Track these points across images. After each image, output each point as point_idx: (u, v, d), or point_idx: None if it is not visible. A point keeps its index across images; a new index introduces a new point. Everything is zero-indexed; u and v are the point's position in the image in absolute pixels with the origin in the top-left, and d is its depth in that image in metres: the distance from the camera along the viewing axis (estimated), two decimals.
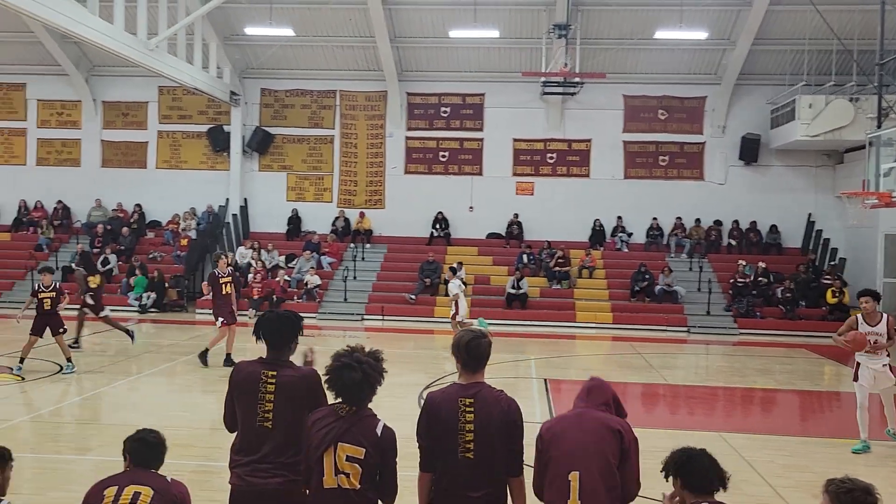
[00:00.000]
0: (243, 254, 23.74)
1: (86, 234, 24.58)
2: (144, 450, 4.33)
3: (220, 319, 14.41)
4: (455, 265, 19.92)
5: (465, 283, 19.53)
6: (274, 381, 4.44)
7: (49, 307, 13.03)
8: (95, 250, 23.78)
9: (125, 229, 24.39)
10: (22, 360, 12.91)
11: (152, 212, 25.49)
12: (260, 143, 25.03)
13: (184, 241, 24.24)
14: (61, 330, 13.14)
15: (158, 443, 4.44)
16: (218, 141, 25.08)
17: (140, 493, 4.07)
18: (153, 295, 22.11)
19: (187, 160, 25.55)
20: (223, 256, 15.05)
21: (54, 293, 13.16)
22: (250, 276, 22.63)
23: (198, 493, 6.48)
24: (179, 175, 25.44)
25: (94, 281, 15.74)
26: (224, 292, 14.37)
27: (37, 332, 12.97)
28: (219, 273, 14.48)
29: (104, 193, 25.33)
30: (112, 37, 17.51)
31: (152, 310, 21.93)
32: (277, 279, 22.45)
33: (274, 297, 21.95)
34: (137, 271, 22.69)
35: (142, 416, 10.87)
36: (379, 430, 4.03)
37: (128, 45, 18.17)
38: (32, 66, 25.06)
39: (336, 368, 4.06)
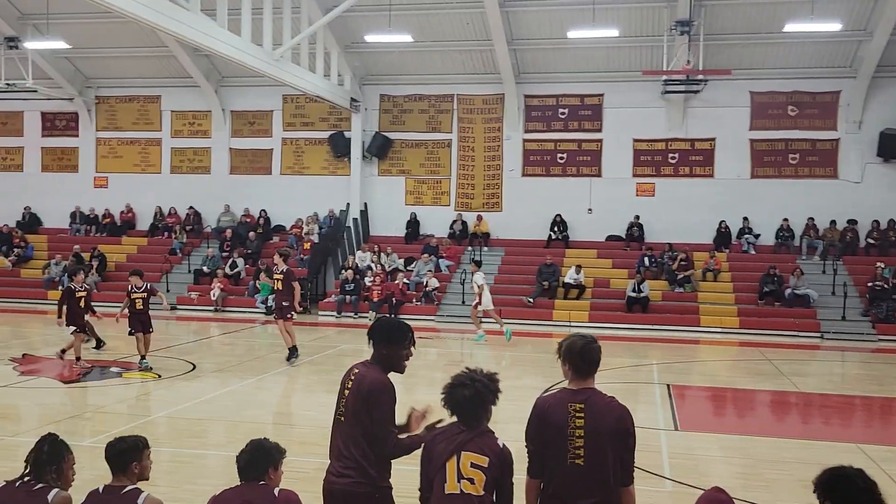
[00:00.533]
0: (362, 257, 24.18)
1: (215, 239, 25.61)
2: (247, 467, 4.37)
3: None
4: (478, 259, 21.56)
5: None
6: (353, 378, 4.55)
7: (141, 307, 13.71)
8: (224, 254, 24.77)
9: (252, 234, 25.27)
10: (143, 357, 13.68)
11: (277, 216, 26.30)
12: (379, 149, 25.45)
13: (307, 245, 24.91)
14: (150, 329, 13.85)
15: (264, 451, 4.46)
16: (339, 147, 25.66)
17: None
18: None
19: (310, 166, 26.25)
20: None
21: (146, 293, 13.89)
22: (369, 279, 23.03)
23: (321, 491, 6.58)
24: (302, 181, 26.16)
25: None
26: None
27: (136, 329, 13.70)
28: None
29: (232, 199, 26.33)
30: (239, 49, 18.19)
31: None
32: (396, 282, 22.75)
33: (393, 299, 22.25)
34: (263, 275, 23.44)
35: (269, 414, 11.21)
36: (500, 444, 4.04)
37: (254, 55, 18.83)
38: (167, 79, 26.32)
39: (450, 386, 4.13)
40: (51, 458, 4.29)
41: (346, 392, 4.53)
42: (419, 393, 13.21)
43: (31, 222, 27.21)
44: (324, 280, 25.21)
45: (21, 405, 11.45)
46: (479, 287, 18.43)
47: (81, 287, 14.08)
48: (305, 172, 26.26)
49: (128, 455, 4.39)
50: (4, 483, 4.26)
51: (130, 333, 13.75)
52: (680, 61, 20.79)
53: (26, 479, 4.23)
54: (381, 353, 4.61)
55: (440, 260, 24.09)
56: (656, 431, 10.03)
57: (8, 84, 23.11)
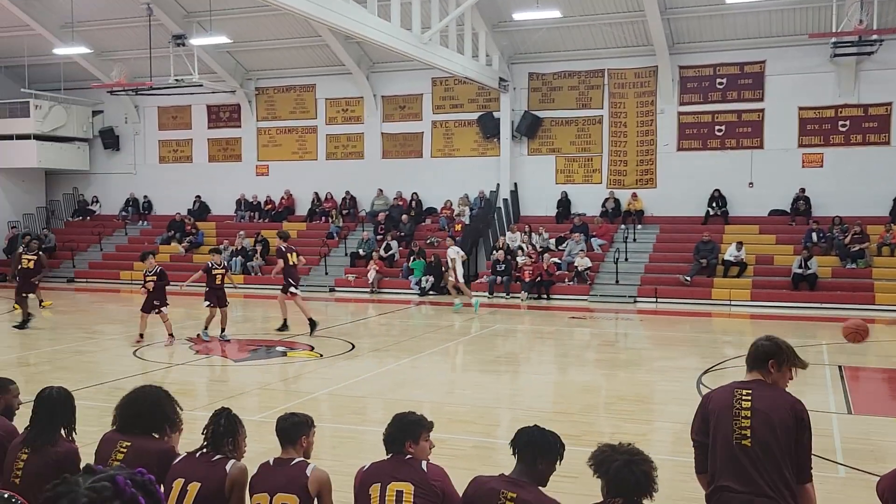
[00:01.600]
0: (513, 238, 24.12)
1: (370, 222, 26.26)
2: (391, 441, 4.38)
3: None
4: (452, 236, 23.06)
5: (463, 251, 21.39)
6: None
7: (219, 282, 14.96)
8: (378, 237, 25.36)
9: (404, 216, 25.72)
10: (222, 329, 14.86)
11: (428, 199, 26.64)
12: (528, 128, 25.25)
13: (458, 227, 25.11)
14: (227, 303, 15.09)
15: (408, 425, 4.45)
16: (488, 127, 25.65)
17: (402, 491, 4.14)
18: (431, 278, 23.12)
19: (459, 148, 26.40)
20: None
21: (224, 270, 15.30)
22: (520, 259, 22.94)
23: (479, 468, 6.58)
24: (452, 162, 26.35)
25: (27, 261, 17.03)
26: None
27: (213, 303, 14.84)
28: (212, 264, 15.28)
29: (385, 183, 26.88)
30: (389, 34, 18.46)
31: (431, 292, 22.93)
32: (546, 262, 22.55)
33: (541, 278, 22.11)
34: (416, 256, 23.85)
35: (425, 393, 11.35)
36: None
37: (403, 40, 19.07)
38: (320, 67, 27.13)
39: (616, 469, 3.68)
40: (227, 431, 4.48)
41: None
42: (572, 373, 13.05)
43: (201, 210, 28.83)
44: (475, 261, 25.35)
45: (196, 382, 12.15)
46: (451, 261, 20.06)
47: (219, 265, 15.26)
48: (455, 154, 26.43)
49: (298, 429, 4.56)
50: (186, 454, 4.48)
51: (208, 306, 14.86)
52: (851, 21, 19.38)
53: (205, 450, 4.44)
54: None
55: (592, 239, 23.68)
56: (827, 415, 9.46)
57: (177, 80, 24.47)
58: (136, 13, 24.73)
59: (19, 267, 17.07)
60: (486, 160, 25.95)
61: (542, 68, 25.31)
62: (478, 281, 23.51)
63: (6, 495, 4.39)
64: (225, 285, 15.20)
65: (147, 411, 4.65)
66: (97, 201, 30.53)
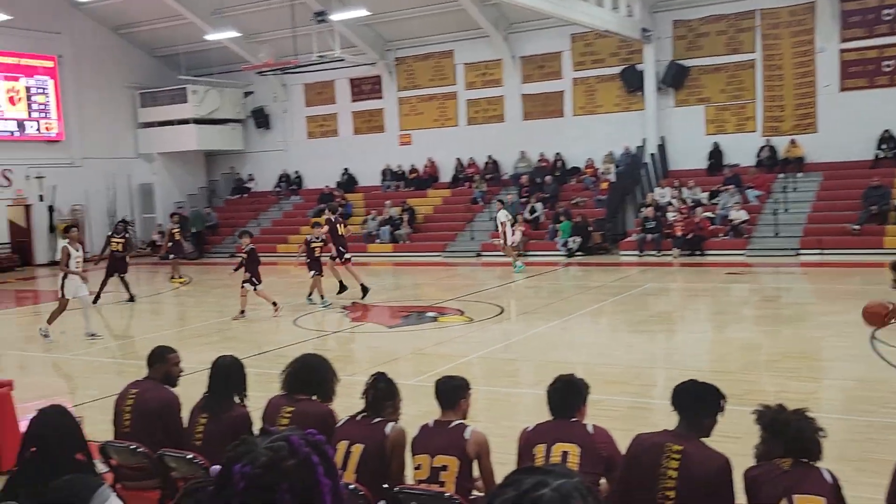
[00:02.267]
0: (662, 193, 23.39)
1: (513, 186, 26.15)
2: (558, 403, 4.34)
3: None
4: (503, 197, 22.15)
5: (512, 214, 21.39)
6: None
7: (318, 253, 15.70)
8: (522, 200, 25.22)
9: (548, 178, 25.44)
10: (322, 297, 15.64)
11: (572, 158, 26.20)
12: (675, 78, 24.28)
13: (604, 185, 24.60)
14: (321, 273, 15.78)
15: (575, 388, 4.41)
16: (631, 81, 24.87)
17: (568, 452, 4.12)
18: (578, 239, 22.81)
19: (602, 104, 25.76)
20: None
21: (322, 242, 15.91)
22: (671, 215, 22.23)
23: (634, 429, 6.45)
24: (595, 120, 25.76)
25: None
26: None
27: (317, 271, 15.63)
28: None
29: (527, 145, 26.64)
30: None
31: (578, 253, 22.64)
32: (699, 217, 21.74)
33: (693, 233, 21.36)
34: (562, 217, 23.58)
35: (576, 354, 11.24)
36: (830, 479, 3.59)
37: None
38: (458, 32, 27.06)
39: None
40: (386, 394, 4.61)
41: None
42: (730, 331, 12.56)
43: (349, 182, 29.61)
44: (623, 219, 24.79)
45: (352, 348, 12.55)
46: (501, 224, 19.89)
47: (317, 238, 15.89)
48: (598, 111, 25.82)
49: (457, 392, 4.63)
50: (347, 418, 4.63)
51: (312, 276, 15.64)
52: None
53: (365, 413, 4.57)
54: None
55: (747, 190, 22.61)
56: None
57: (320, 56, 25.09)
58: None
59: (109, 249, 17.86)
60: (630, 115, 25.22)
61: (687, 14, 24.21)
62: (627, 239, 23.00)
63: (189, 456, 4.69)
64: (321, 255, 15.99)
65: (310, 378, 4.85)
66: (253, 179, 31.92)
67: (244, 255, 14.91)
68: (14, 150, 26.73)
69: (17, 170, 26.71)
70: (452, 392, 4.62)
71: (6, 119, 26.55)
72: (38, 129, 27.46)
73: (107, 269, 17.77)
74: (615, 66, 25.28)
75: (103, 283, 17.46)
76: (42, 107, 27.54)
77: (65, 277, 13.03)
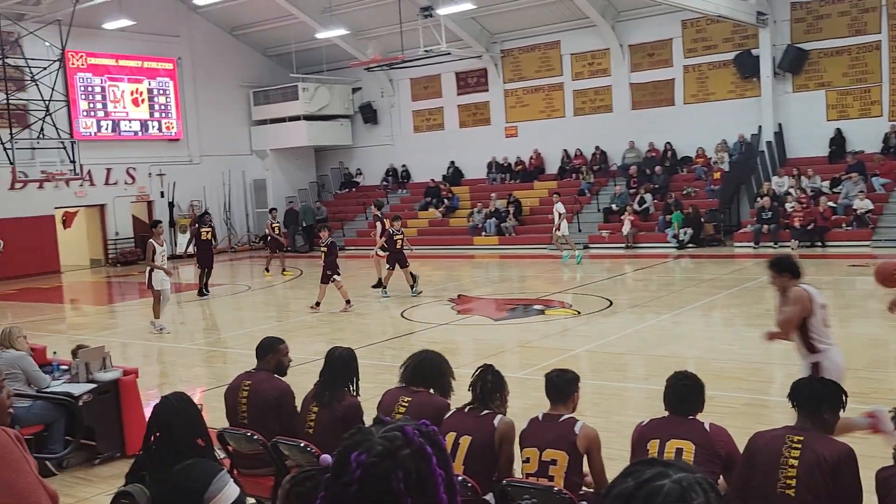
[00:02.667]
0: (779, 182, 22.50)
1: (622, 176, 25.69)
2: (677, 400, 4.25)
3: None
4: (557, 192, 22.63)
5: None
6: None
7: (399, 246, 16.18)
8: (632, 191, 24.74)
9: (658, 168, 24.87)
10: (384, 286, 16.29)
11: (683, 148, 25.51)
12: (792, 63, 23.29)
13: (716, 175, 23.86)
14: (407, 264, 16.33)
15: (696, 388, 4.32)
16: (746, 67, 24.00)
17: (682, 448, 4.04)
18: (689, 230, 22.22)
19: (715, 91, 24.97)
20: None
21: (402, 235, 16.41)
22: (789, 205, 21.37)
23: (754, 427, 6.23)
24: (707, 108, 25.00)
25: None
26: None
27: (392, 266, 16.20)
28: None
29: (636, 135, 26.10)
30: None
31: (690, 245, 22.06)
32: (820, 207, 20.82)
33: (814, 224, 20.46)
34: (673, 208, 23.01)
35: (689, 349, 10.96)
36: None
37: None
38: (564, 22, 26.74)
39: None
40: (494, 387, 4.62)
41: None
42: (856, 326, 11.97)
43: (454, 175, 29.73)
44: (737, 210, 23.98)
45: (459, 340, 12.60)
46: (558, 216, 20.54)
47: (398, 231, 16.38)
48: (710, 99, 25.04)
49: (570, 386, 4.59)
50: (455, 410, 4.65)
51: (389, 269, 16.24)
52: None
53: (473, 405, 4.58)
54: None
55: (873, 178, 21.49)
56: None
57: (426, 51, 25.28)
58: None
59: (199, 239, 18.43)
60: (744, 102, 24.36)
61: None
62: (741, 230, 22.25)
63: (302, 444, 4.81)
64: (404, 248, 16.38)
65: (428, 373, 4.91)
66: (360, 173, 32.48)
67: (324, 248, 15.25)
68: (137, 148, 28.05)
69: (140, 168, 28.02)
70: (565, 386, 4.57)
71: (131, 119, 27.87)
72: (159, 129, 28.72)
73: (197, 260, 18.45)
74: (728, 52, 24.46)
75: (201, 276, 18.14)
76: (163, 107, 28.78)
77: (151, 271, 13.70)
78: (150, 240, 13.89)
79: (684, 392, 4.27)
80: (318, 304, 15.04)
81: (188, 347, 13.15)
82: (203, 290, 18.10)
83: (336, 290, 15.00)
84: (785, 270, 6.06)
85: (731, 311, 13.66)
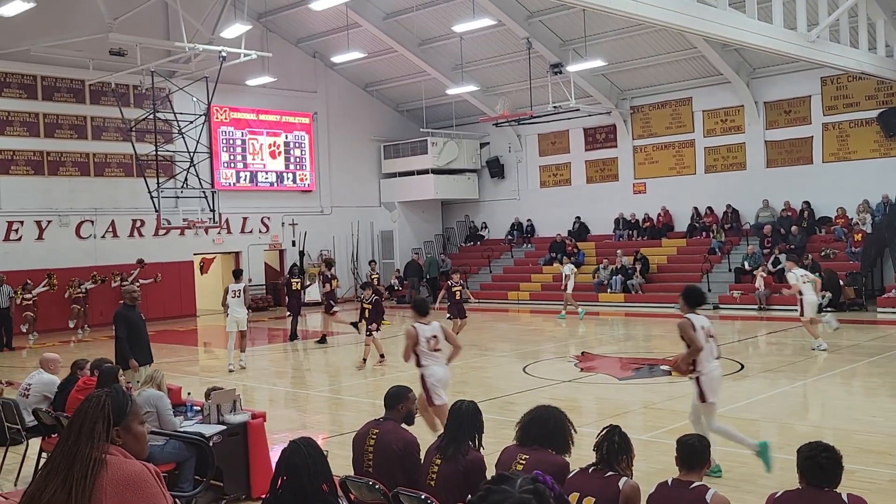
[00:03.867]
0: None
1: (755, 235, 24.83)
2: (819, 471, 4.03)
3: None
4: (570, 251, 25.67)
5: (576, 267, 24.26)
6: None
7: (458, 297, 17.58)
8: (765, 251, 23.85)
9: (794, 227, 23.91)
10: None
11: (821, 208, 24.47)
12: None
13: (857, 237, 22.71)
14: (465, 315, 17.73)
15: (837, 460, 4.11)
16: (891, 125, 22.90)
17: None
18: (828, 293, 21.14)
19: (856, 150, 23.92)
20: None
21: (461, 287, 17.95)
22: None
23: None
24: (848, 167, 23.95)
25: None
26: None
27: (453, 315, 17.37)
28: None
29: (770, 193, 25.24)
30: (772, 36, 17.32)
31: (829, 309, 20.96)
32: None
33: None
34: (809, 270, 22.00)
35: (826, 418, 10.37)
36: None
37: (788, 41, 17.76)
38: (696, 79, 26.38)
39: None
40: (621, 448, 4.51)
41: None
42: None
43: (580, 231, 29.52)
44: (881, 273, 22.72)
45: (582, 399, 12.36)
46: (565, 277, 22.67)
47: (457, 283, 17.88)
48: (851, 157, 23.99)
49: (704, 454, 4.46)
50: (579, 469, 4.56)
51: (448, 318, 17.06)
52: None
53: (598, 466, 4.47)
54: None
55: None
56: None
57: (555, 107, 25.42)
58: (517, 48, 26.19)
59: (290, 289, 19.66)
60: (889, 161, 23.20)
61: None
62: (885, 295, 21.01)
63: (423, 496, 4.80)
64: (462, 300, 17.75)
65: (548, 430, 4.83)
66: (486, 227, 32.71)
67: (369, 306, 15.70)
68: (272, 199, 29.28)
69: (273, 217, 29.20)
70: (700, 453, 4.44)
71: (267, 171, 29.18)
72: (293, 180, 29.91)
73: (288, 308, 19.73)
74: (872, 110, 23.47)
75: (293, 322, 19.44)
76: (297, 160, 30.01)
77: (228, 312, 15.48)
78: (245, 284, 16.12)
79: (827, 464, 4.05)
80: (381, 356, 15.49)
81: (311, 394, 13.43)
82: (324, 338, 18.88)
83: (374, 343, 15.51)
84: (683, 297, 7.78)
85: (873, 381, 12.85)
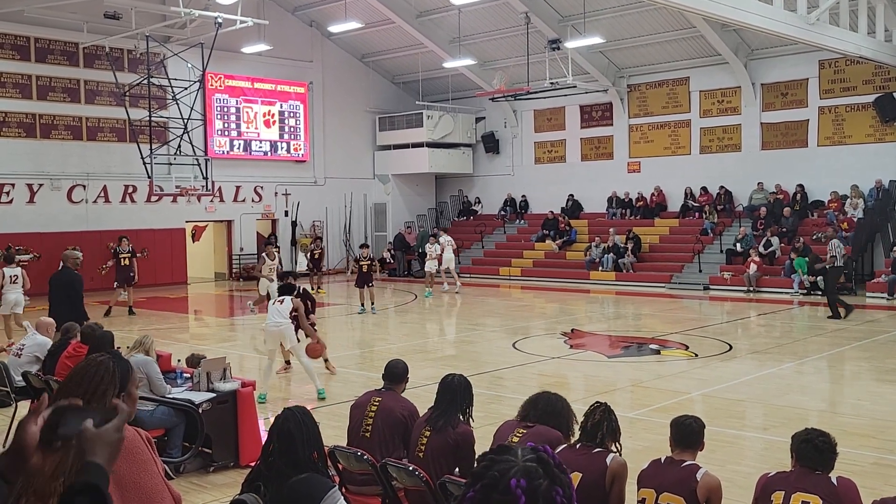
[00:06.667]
0: None
1: (747, 217, 24.88)
2: (817, 454, 4.10)
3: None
4: (436, 231, 25.95)
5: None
6: None
7: (365, 270, 18.68)
8: (756, 233, 23.90)
9: (787, 210, 23.97)
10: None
11: (814, 191, 24.52)
12: None
13: (844, 225, 22.77)
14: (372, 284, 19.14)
15: (833, 446, 4.21)
16: (887, 110, 22.89)
17: (808, 502, 3.95)
18: (820, 278, 21.23)
19: (851, 134, 23.92)
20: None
21: (370, 261, 19.20)
22: None
23: (882, 489, 5.88)
24: (842, 151, 23.97)
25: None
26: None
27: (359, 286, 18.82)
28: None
29: (764, 176, 25.25)
30: (772, 18, 17.25)
31: (817, 292, 21.08)
32: None
33: None
34: (793, 254, 22.10)
35: (812, 401, 10.47)
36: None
37: (787, 23, 17.71)
38: (694, 59, 26.27)
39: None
40: (617, 429, 4.57)
41: None
42: None
43: (573, 208, 29.51)
44: (870, 258, 22.81)
45: (570, 375, 12.43)
46: (434, 255, 23.32)
47: (365, 258, 19.06)
48: (846, 142, 24.00)
49: (700, 435, 4.59)
50: (566, 446, 4.60)
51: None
52: None
53: (584, 442, 4.52)
54: None
55: None
56: None
57: (552, 83, 25.30)
58: (515, 23, 26.02)
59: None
60: (883, 147, 23.22)
61: None
62: (874, 280, 21.13)
63: (411, 468, 4.84)
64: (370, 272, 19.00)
65: (554, 410, 4.90)
66: (479, 202, 32.67)
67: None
68: (265, 168, 29.15)
69: (266, 186, 29.10)
70: (697, 434, 4.52)
71: (261, 140, 29.03)
72: (287, 150, 29.78)
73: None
74: (868, 94, 23.44)
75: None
76: (292, 129, 29.85)
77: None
78: (263, 255, 17.74)
79: (823, 446, 4.14)
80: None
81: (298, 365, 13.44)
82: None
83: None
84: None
85: (859, 365, 12.95)
